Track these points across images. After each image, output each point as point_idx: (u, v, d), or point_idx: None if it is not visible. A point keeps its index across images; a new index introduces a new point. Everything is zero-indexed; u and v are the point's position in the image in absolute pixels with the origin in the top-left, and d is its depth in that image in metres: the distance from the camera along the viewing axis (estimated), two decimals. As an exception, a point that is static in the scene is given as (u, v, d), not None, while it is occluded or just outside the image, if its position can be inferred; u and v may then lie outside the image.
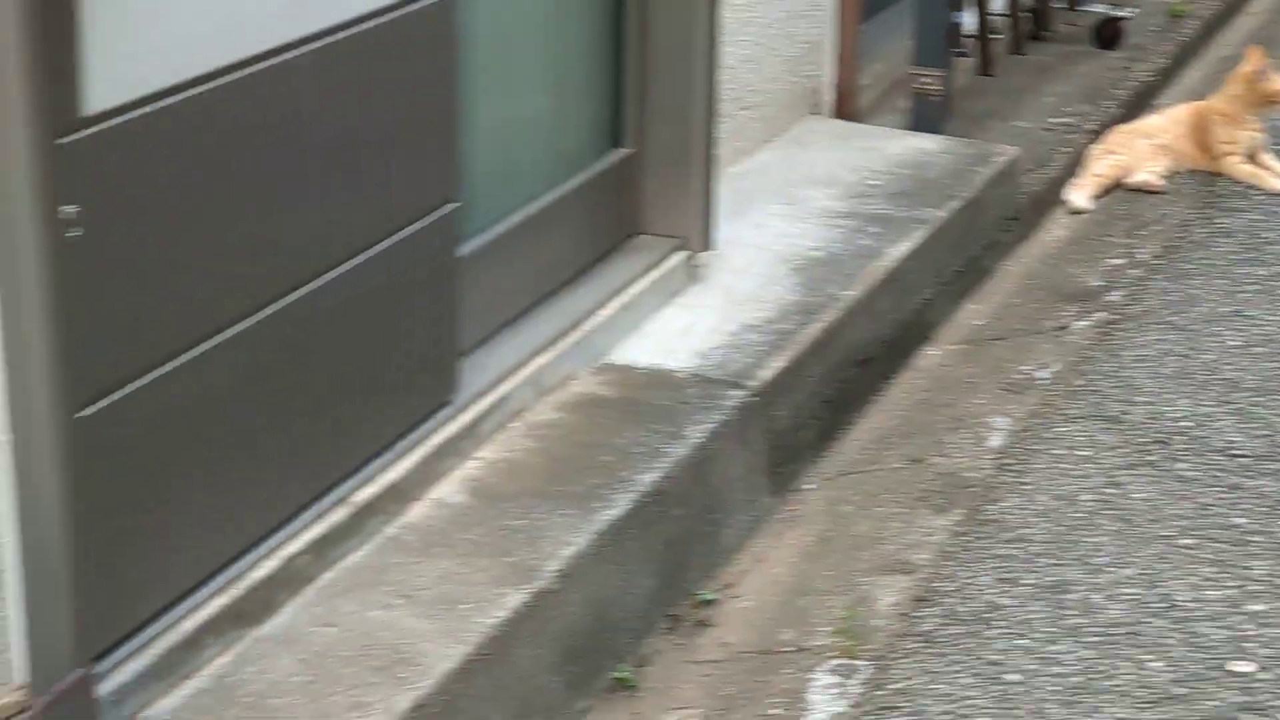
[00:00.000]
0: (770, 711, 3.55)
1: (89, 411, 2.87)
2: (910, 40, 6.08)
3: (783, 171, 5.40)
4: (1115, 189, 6.07)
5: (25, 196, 2.65)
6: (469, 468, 3.81)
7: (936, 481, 4.33)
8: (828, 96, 5.87)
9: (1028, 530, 4.10)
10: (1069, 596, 3.84)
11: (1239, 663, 3.62)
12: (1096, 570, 3.93)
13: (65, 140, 2.74)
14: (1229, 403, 4.65)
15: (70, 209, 2.74)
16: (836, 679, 3.61)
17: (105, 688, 2.94)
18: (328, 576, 3.42)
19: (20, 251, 2.67)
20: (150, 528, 3.07)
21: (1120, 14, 7.28)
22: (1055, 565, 3.95)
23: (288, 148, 3.28)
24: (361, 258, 3.51)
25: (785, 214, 5.12)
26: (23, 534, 2.77)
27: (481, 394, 3.94)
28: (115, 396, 2.94)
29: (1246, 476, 4.30)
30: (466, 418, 3.86)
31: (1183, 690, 3.52)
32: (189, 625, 3.14)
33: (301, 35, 3.26)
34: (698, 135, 4.62)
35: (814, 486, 4.39)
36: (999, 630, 3.73)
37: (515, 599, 3.40)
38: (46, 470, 2.76)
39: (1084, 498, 4.23)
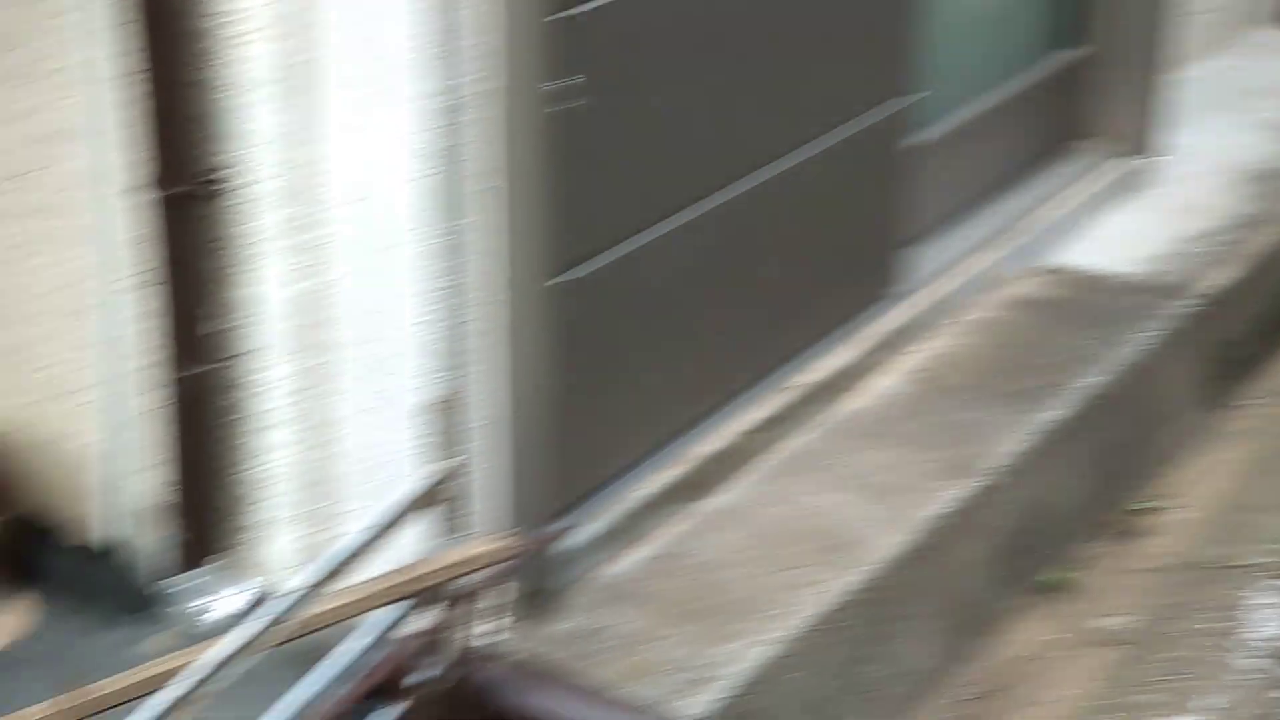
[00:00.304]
0: (1207, 625, 3.50)
1: (563, 279, 2.97)
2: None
3: (1234, 80, 5.24)
4: None
5: (524, 69, 2.74)
6: (909, 360, 3.82)
7: (1385, 404, 4.19)
8: (1282, 5, 5.67)
9: None
10: None
11: None
12: None
13: (561, 15, 2.82)
14: None
15: (572, 80, 2.82)
16: (1278, 598, 3.54)
17: (566, 546, 3.05)
18: (773, 458, 3.47)
19: (519, 122, 2.76)
20: (611, 394, 3.16)
21: None
22: None
23: (756, 34, 3.31)
24: (814, 146, 3.54)
25: (1235, 124, 4.98)
26: (512, 395, 2.88)
27: (922, 287, 3.94)
28: (585, 268, 3.03)
29: None
30: (907, 310, 3.87)
31: None
32: (642, 494, 3.23)
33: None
34: (1153, 40, 4.52)
35: (1258, 401, 4.28)
36: None
37: (955, 493, 3.41)
38: (526, 334, 2.86)
39: None
